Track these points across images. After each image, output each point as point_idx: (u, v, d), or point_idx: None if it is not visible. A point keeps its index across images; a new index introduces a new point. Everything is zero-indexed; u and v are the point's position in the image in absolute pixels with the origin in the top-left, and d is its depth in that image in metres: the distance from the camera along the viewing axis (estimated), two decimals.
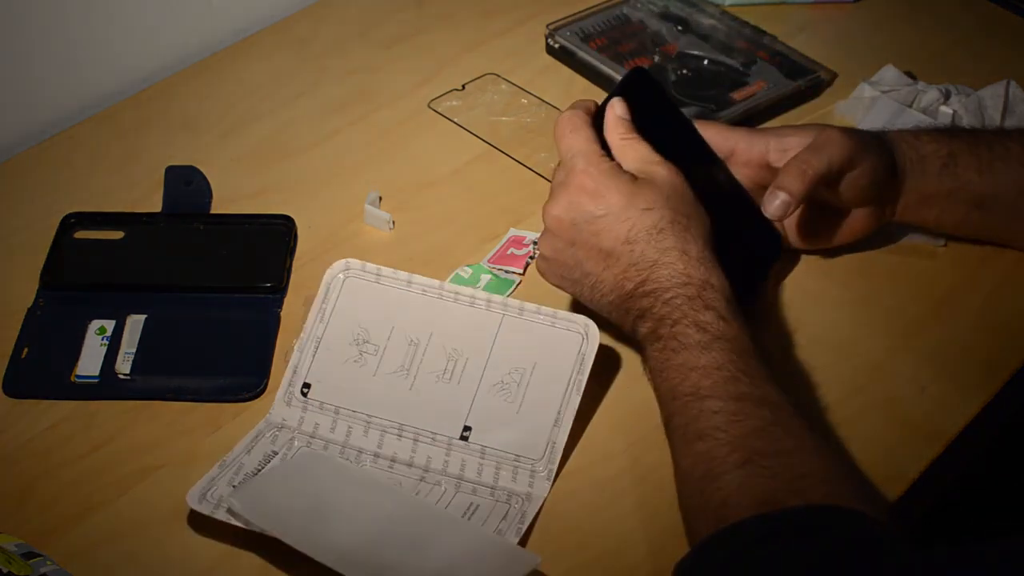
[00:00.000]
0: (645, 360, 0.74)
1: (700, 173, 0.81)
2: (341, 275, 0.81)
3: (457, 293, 0.80)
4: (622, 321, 0.77)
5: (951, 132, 0.87)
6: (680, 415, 0.69)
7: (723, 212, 0.79)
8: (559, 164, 0.79)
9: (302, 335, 0.80)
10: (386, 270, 0.81)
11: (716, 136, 0.84)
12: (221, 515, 0.71)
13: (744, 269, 0.79)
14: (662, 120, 0.83)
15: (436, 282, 0.80)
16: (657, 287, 0.73)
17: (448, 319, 0.79)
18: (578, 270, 0.77)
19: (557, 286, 0.80)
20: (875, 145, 0.83)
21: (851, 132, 0.83)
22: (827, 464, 0.65)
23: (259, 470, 0.75)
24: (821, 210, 0.86)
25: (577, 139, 0.77)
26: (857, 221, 0.86)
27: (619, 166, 0.76)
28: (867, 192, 0.83)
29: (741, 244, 0.80)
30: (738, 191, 0.84)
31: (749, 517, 0.61)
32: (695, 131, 0.84)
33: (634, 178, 0.76)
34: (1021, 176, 0.83)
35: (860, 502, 0.62)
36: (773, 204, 0.80)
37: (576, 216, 0.76)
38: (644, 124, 0.81)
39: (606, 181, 0.75)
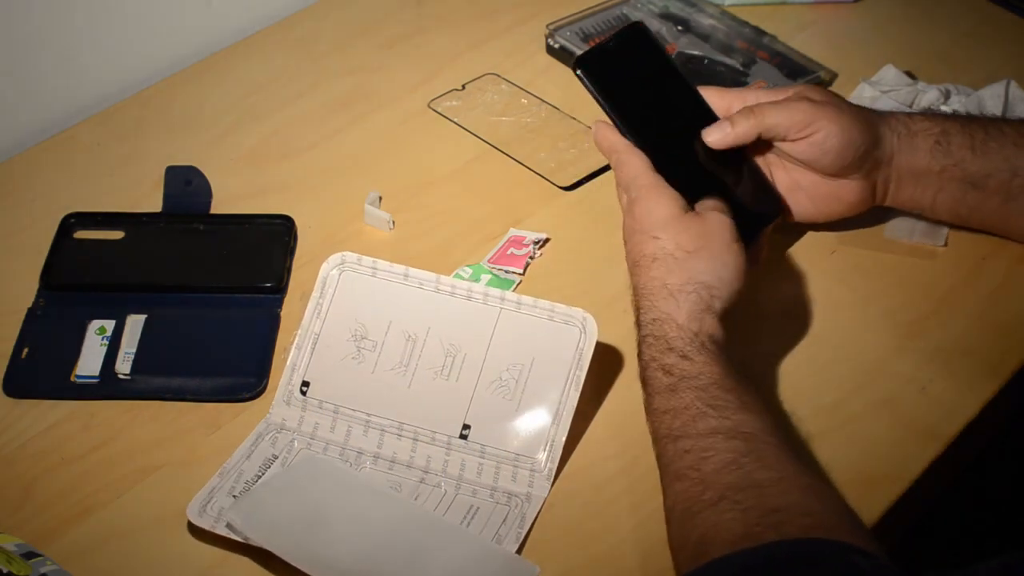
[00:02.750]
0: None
1: (696, 129, 0.83)
2: (336, 270, 0.80)
3: (454, 286, 0.80)
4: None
5: (945, 115, 0.88)
6: (661, 457, 0.71)
7: (719, 168, 0.82)
8: (617, 191, 0.83)
9: (299, 332, 0.79)
10: (382, 263, 0.80)
11: (713, 96, 0.86)
12: (221, 529, 0.71)
13: (740, 224, 0.79)
14: (658, 77, 0.85)
15: (433, 275, 0.80)
16: (641, 319, 0.76)
17: (445, 313, 0.79)
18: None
19: None
20: (854, 113, 0.83)
21: (830, 100, 0.84)
22: (805, 496, 0.65)
23: (259, 476, 0.75)
24: (813, 182, 0.86)
25: (631, 168, 0.80)
26: (848, 193, 0.86)
27: (672, 192, 0.79)
28: (840, 155, 0.83)
29: (736, 200, 0.81)
30: (735, 149, 0.85)
31: (727, 555, 0.61)
32: (693, 90, 0.85)
33: (676, 205, 0.78)
34: (1015, 156, 0.84)
35: (840, 532, 0.61)
36: (711, 132, 0.83)
37: (626, 236, 0.79)
38: (639, 80, 0.83)
39: (647, 204, 0.78)
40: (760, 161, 0.87)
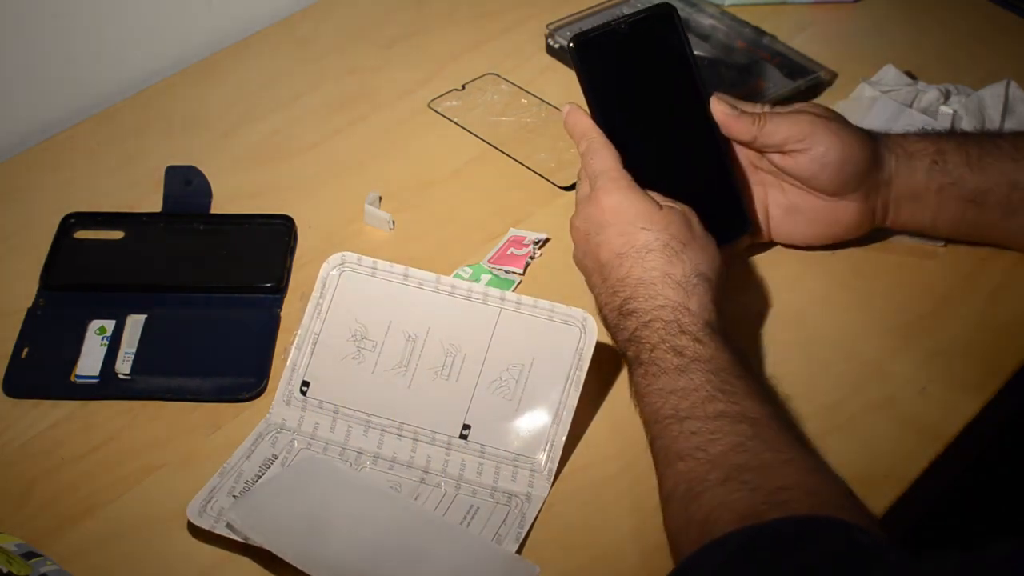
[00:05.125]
0: (630, 384, 0.75)
1: (686, 134, 0.82)
2: (336, 270, 0.80)
3: (454, 286, 0.80)
4: (616, 339, 0.78)
5: (940, 133, 0.88)
6: (661, 438, 0.70)
7: (694, 178, 0.82)
8: (580, 179, 0.82)
9: (299, 332, 0.79)
10: (382, 263, 0.80)
11: (722, 107, 0.85)
12: (221, 529, 0.71)
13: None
14: (665, 72, 0.83)
15: (433, 275, 0.80)
16: (638, 307, 0.75)
17: (445, 313, 0.79)
18: (590, 281, 0.80)
19: None
20: (855, 131, 0.84)
21: (831, 116, 0.84)
22: (810, 476, 0.66)
23: (259, 476, 0.75)
24: (811, 205, 0.86)
25: (602, 160, 0.80)
26: (846, 216, 0.86)
27: (643, 190, 0.79)
28: (839, 170, 0.83)
29: (701, 213, 0.80)
30: (721, 159, 0.85)
31: (732, 532, 0.61)
32: (700, 93, 0.84)
33: (651, 200, 0.78)
34: (1012, 170, 0.84)
35: (844, 512, 0.62)
36: (718, 102, 0.83)
37: (590, 227, 0.79)
38: (641, 72, 0.82)
39: (620, 197, 0.78)
40: (756, 183, 0.87)
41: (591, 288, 0.80)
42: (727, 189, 0.85)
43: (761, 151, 0.85)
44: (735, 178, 0.85)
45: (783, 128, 0.83)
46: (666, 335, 0.73)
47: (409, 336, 0.79)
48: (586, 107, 0.82)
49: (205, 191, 0.95)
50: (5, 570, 0.68)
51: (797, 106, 0.85)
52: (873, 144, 0.84)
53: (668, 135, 0.84)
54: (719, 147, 0.85)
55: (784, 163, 0.84)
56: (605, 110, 0.81)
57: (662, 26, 0.83)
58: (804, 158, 0.83)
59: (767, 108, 0.84)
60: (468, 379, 0.78)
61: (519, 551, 0.72)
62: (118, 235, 0.90)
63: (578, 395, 0.76)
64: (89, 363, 0.81)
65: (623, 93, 0.82)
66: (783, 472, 0.65)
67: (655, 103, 0.84)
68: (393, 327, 0.79)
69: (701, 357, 0.72)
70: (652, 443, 0.72)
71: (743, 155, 0.86)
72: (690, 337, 0.72)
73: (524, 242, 0.90)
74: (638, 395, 0.74)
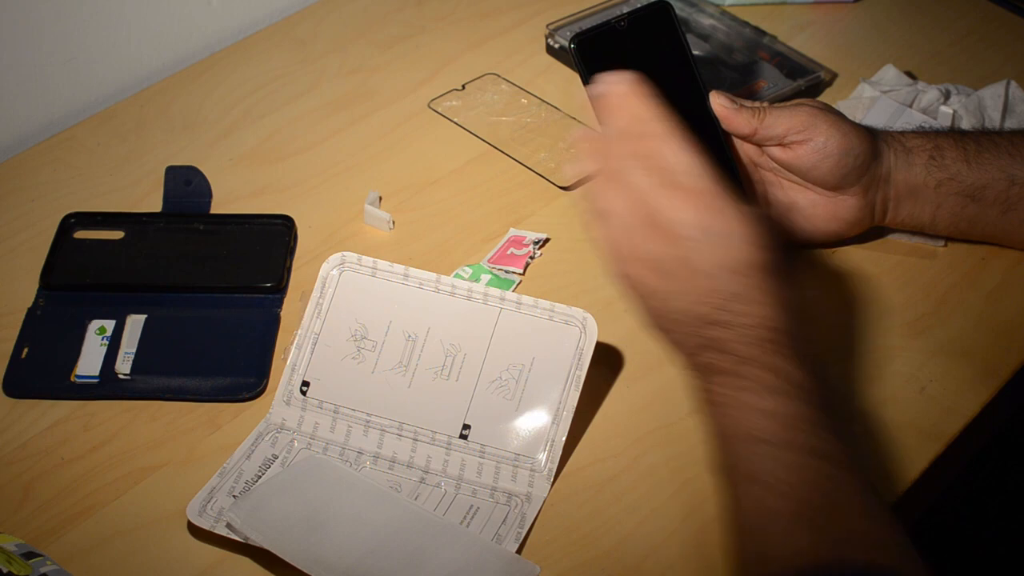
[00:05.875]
0: (703, 391, 0.70)
1: (689, 123, 0.82)
2: (336, 270, 0.80)
3: (454, 286, 0.80)
4: (681, 343, 0.71)
5: (938, 130, 0.88)
6: (735, 455, 0.67)
7: None
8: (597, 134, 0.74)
9: (299, 331, 0.79)
10: (382, 263, 0.80)
11: (721, 101, 0.83)
12: (221, 529, 0.71)
13: None
14: (666, 69, 0.82)
15: (433, 275, 0.80)
16: (731, 319, 0.69)
17: (445, 313, 0.79)
18: (647, 277, 0.70)
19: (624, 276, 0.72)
20: (853, 124, 0.84)
21: (830, 109, 0.84)
22: (874, 526, 0.64)
23: (259, 476, 0.75)
24: (811, 201, 0.86)
25: (688, 153, 0.70)
26: (846, 211, 0.86)
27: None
28: (840, 161, 0.83)
29: None
30: (722, 154, 0.84)
31: (789, 568, 0.60)
32: (700, 90, 0.84)
33: (737, 202, 0.70)
34: (1010, 166, 0.84)
35: (905, 566, 0.61)
36: (718, 95, 0.83)
37: (693, 230, 0.69)
38: (649, 63, 0.81)
39: (722, 205, 0.69)
40: (756, 182, 0.87)
41: (641, 286, 0.71)
42: (730, 183, 0.85)
43: (761, 144, 0.85)
44: (737, 173, 0.86)
45: (783, 120, 0.83)
46: (759, 352, 0.68)
47: (409, 336, 0.79)
48: (586, 102, 0.82)
49: (205, 191, 0.95)
50: (5, 570, 0.68)
51: (796, 101, 0.86)
52: (872, 138, 0.84)
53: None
54: (720, 142, 0.85)
55: (784, 156, 0.84)
56: None
57: (660, 22, 0.83)
58: (804, 149, 0.83)
59: (766, 104, 0.85)
60: (468, 379, 0.78)
61: (519, 551, 0.72)
62: (118, 235, 0.90)
63: (578, 395, 0.76)
64: (89, 363, 0.81)
65: None
66: (850, 517, 0.64)
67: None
68: (393, 327, 0.79)
69: (792, 382, 0.68)
70: (723, 454, 0.68)
71: (742, 153, 0.86)
72: (785, 359, 0.68)
73: (524, 242, 0.90)
74: (713, 404, 0.69)
